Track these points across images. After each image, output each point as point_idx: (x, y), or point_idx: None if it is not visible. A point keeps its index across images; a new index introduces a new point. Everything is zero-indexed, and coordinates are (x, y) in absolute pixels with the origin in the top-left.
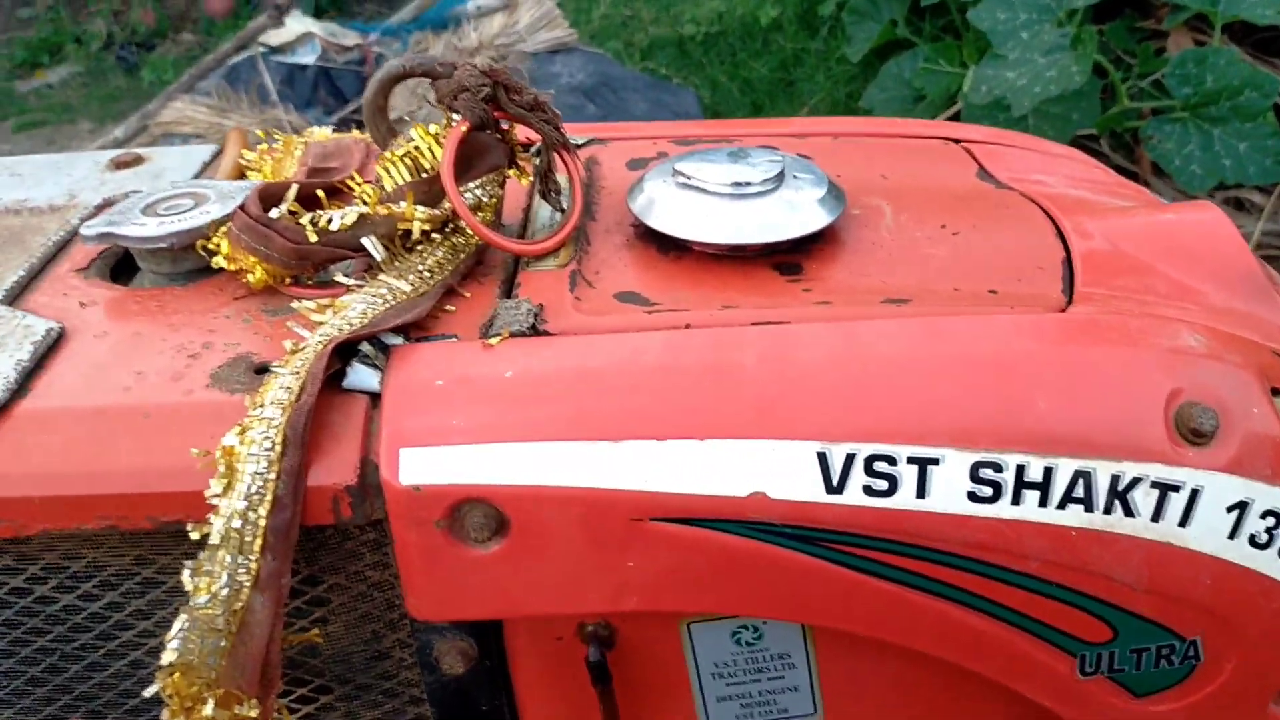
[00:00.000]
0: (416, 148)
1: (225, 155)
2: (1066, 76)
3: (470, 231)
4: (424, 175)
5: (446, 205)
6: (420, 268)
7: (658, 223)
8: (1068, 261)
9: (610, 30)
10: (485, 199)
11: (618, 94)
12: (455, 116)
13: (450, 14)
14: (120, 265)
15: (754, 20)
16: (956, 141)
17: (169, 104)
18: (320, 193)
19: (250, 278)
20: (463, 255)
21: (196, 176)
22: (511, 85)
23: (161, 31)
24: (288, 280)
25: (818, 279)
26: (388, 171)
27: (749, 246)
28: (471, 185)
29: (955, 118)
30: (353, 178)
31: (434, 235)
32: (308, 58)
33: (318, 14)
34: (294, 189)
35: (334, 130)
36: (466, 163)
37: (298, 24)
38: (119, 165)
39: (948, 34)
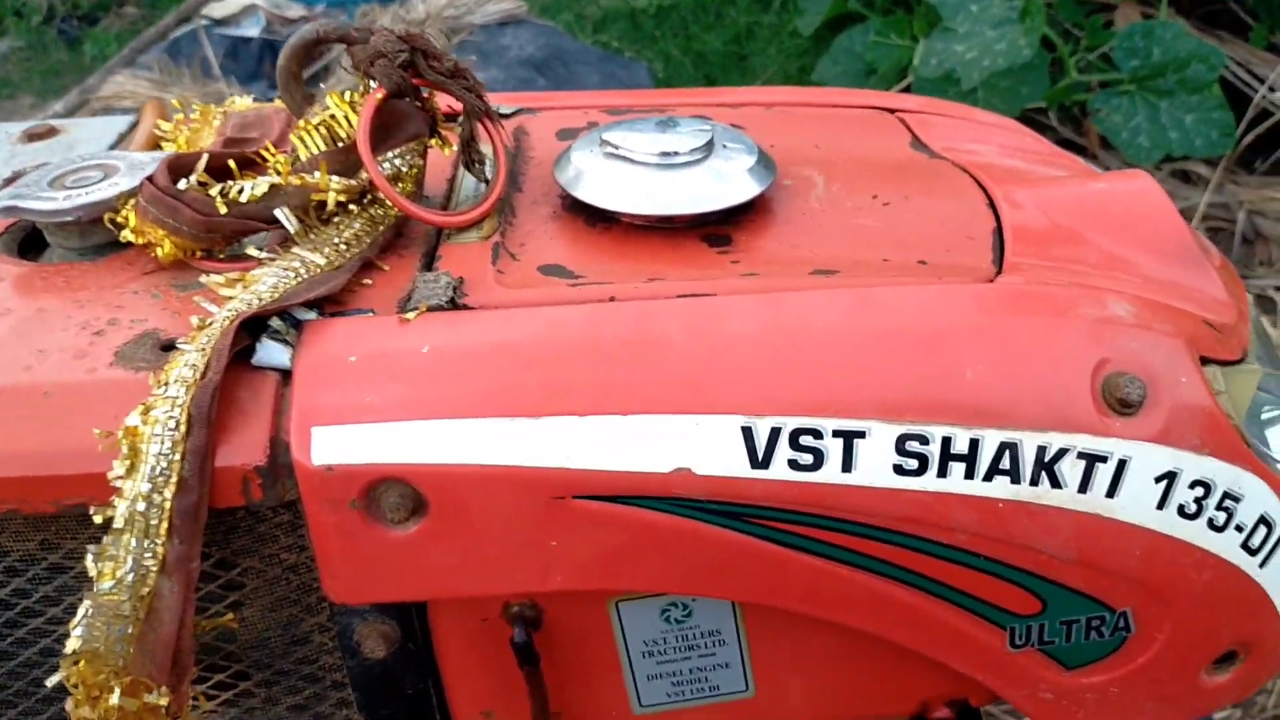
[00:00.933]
0: (332, 116)
1: (140, 126)
2: (1015, 50)
3: (389, 203)
4: (340, 145)
5: (364, 176)
6: (336, 240)
7: (584, 194)
8: (998, 231)
9: (562, 2)
10: (404, 169)
11: (569, 67)
12: (372, 84)
13: None
14: (30, 240)
15: None
16: (891, 111)
17: (109, 78)
18: (234, 164)
19: (159, 251)
20: (381, 227)
21: (112, 148)
22: (430, 51)
23: (104, 4)
24: (198, 254)
25: (746, 250)
26: (303, 141)
27: (677, 217)
28: (390, 155)
29: (907, 91)
30: (266, 148)
31: (351, 207)
32: (252, 30)
33: None
34: (204, 159)
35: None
36: (385, 132)
37: None
38: (31, 137)
39: (899, 7)
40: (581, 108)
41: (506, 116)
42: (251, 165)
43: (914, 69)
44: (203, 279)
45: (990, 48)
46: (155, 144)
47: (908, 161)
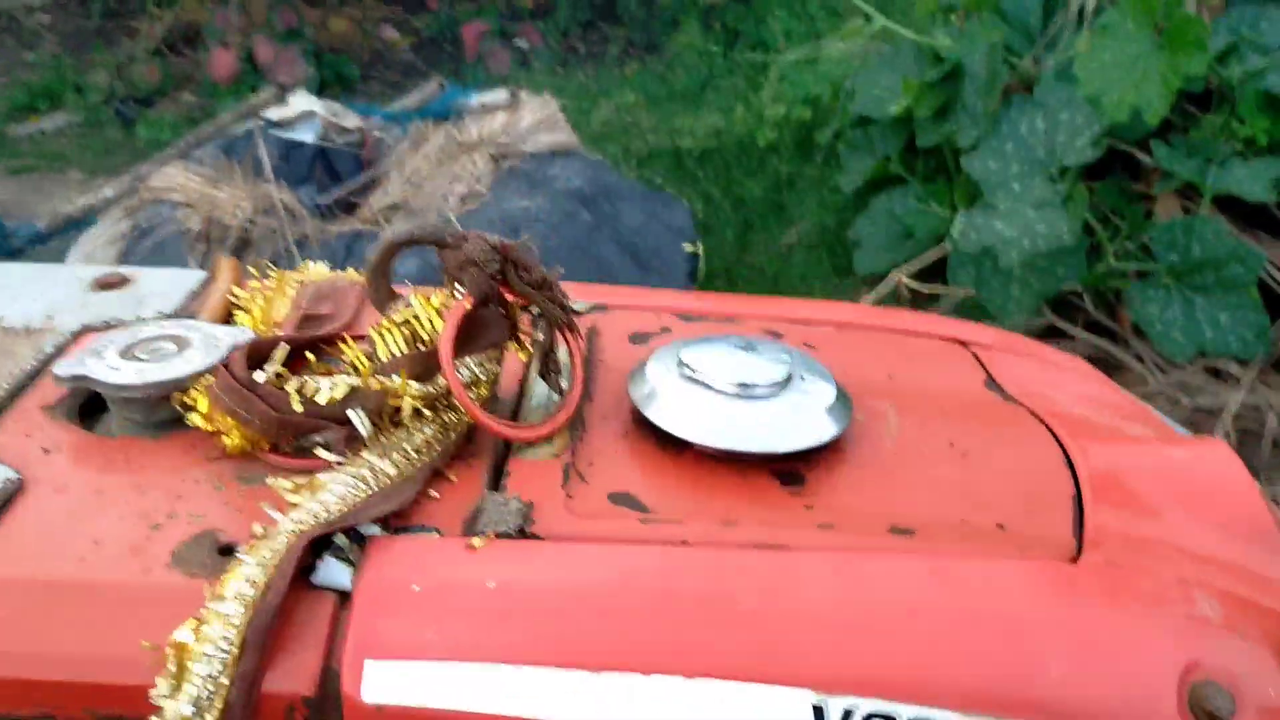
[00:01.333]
0: (416, 316)
1: (214, 287)
2: (1055, 233)
3: (462, 410)
4: (420, 347)
5: (441, 381)
6: (406, 447)
7: (658, 418)
8: (1077, 497)
9: (610, 135)
10: (482, 376)
11: (613, 202)
12: (459, 289)
13: (453, 105)
14: (91, 399)
15: (750, 140)
16: (963, 344)
17: (162, 168)
18: (312, 357)
19: (226, 440)
20: (453, 435)
21: (182, 306)
22: (521, 262)
23: (163, 90)
24: (265, 446)
25: (821, 494)
26: (383, 339)
27: (752, 455)
28: (469, 361)
29: (942, 259)
30: (345, 340)
31: (425, 411)
32: (307, 135)
33: (321, 88)
34: (283, 350)
35: (326, 212)
36: (466, 337)
37: (301, 101)
38: (102, 286)
39: (940, 174)
40: (654, 309)
41: (579, 314)
42: (325, 346)
43: (951, 239)
44: (269, 480)
45: (1030, 228)
46: (228, 309)
47: (982, 403)
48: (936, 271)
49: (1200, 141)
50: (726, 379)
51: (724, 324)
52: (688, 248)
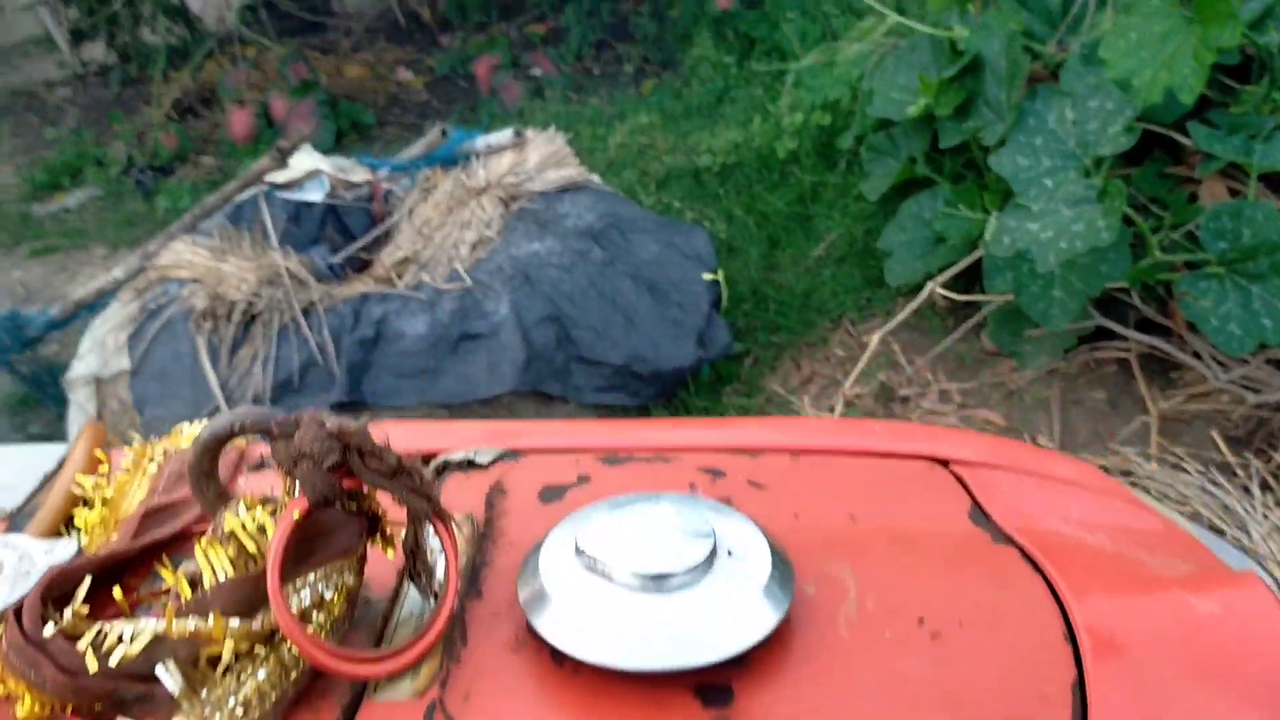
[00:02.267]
0: (244, 526)
1: (63, 473)
2: (1094, 232)
3: None
4: (251, 566)
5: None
6: (232, 702)
7: (549, 629)
8: (1079, 684)
9: (626, 159)
10: (328, 594)
11: (626, 236)
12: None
13: (460, 150)
14: None
15: (771, 152)
16: (945, 464)
17: (169, 244)
18: (119, 594)
19: (18, 709)
20: (293, 674)
21: (34, 494)
22: (367, 449)
23: (182, 155)
24: (68, 710)
25: (752, 714)
26: (208, 559)
27: (664, 672)
28: (311, 579)
29: (977, 264)
30: (163, 562)
31: (258, 648)
32: (315, 195)
33: (338, 139)
34: (85, 584)
35: (339, 271)
36: (307, 546)
37: (305, 160)
38: None
39: (969, 172)
40: (573, 450)
41: (483, 467)
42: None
43: (985, 245)
44: None
45: (1067, 228)
46: (72, 504)
47: (963, 548)
48: (974, 276)
49: (1241, 117)
50: (632, 569)
51: (653, 464)
52: (707, 277)
